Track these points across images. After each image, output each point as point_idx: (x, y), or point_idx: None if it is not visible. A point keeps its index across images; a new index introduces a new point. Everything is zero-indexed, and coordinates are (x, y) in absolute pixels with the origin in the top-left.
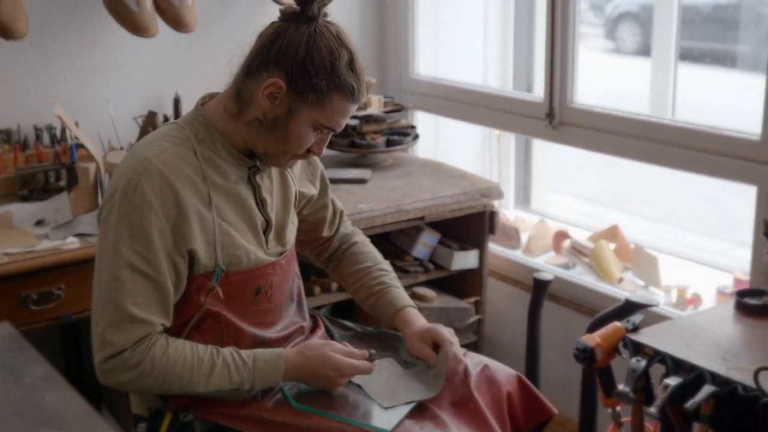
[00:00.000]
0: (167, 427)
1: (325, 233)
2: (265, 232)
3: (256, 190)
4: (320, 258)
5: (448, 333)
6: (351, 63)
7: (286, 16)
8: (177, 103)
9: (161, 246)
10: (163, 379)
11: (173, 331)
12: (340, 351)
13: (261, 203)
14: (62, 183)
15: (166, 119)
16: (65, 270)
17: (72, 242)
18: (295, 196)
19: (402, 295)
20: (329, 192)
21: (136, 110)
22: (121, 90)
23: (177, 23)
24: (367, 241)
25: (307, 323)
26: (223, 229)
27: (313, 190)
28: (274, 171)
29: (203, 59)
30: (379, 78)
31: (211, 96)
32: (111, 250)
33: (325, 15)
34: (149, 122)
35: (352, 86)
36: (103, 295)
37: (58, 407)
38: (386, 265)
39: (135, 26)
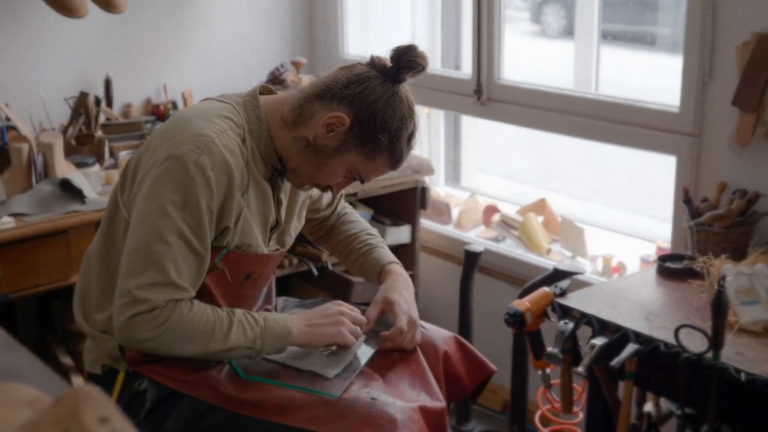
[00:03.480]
0: (120, 388)
1: (323, 213)
2: (273, 230)
3: (274, 190)
4: (316, 234)
5: (400, 310)
6: (411, 136)
7: (376, 66)
8: (108, 84)
9: (208, 222)
10: (186, 335)
11: None
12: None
13: (277, 203)
14: None
15: (97, 100)
16: (1, 249)
17: (7, 222)
18: (306, 199)
19: (386, 254)
20: None
21: (67, 91)
22: (51, 72)
23: (107, 4)
24: (355, 211)
25: (271, 306)
26: (246, 218)
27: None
28: None
29: (133, 40)
30: (308, 57)
31: (267, 89)
32: (161, 212)
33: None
34: (81, 103)
35: (401, 156)
36: (145, 254)
37: (13, 367)
38: (373, 230)
39: (65, 7)
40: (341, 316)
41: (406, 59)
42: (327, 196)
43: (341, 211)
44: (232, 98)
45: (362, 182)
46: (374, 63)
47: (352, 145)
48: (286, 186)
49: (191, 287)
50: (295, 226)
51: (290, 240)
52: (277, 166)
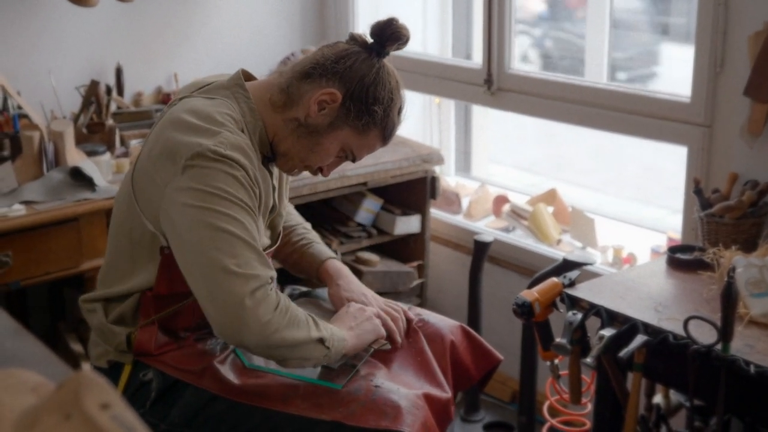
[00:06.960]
0: (126, 381)
1: None
2: (270, 214)
3: (270, 176)
4: None
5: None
6: (400, 110)
7: (358, 42)
8: (119, 72)
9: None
10: (291, 320)
11: (171, 298)
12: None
13: (272, 189)
14: (5, 153)
15: (108, 89)
16: (12, 237)
17: (18, 209)
18: (288, 179)
19: (324, 249)
20: None
21: (78, 80)
22: (63, 60)
23: None
24: (290, 204)
25: None
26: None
27: None
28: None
29: (144, 29)
30: (318, 45)
31: (247, 75)
32: (224, 199)
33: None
34: (92, 92)
35: (393, 129)
36: (226, 238)
37: (20, 353)
38: (307, 224)
39: None
40: (366, 312)
41: (390, 32)
42: None
43: None
44: (218, 92)
45: (353, 160)
46: (355, 39)
47: (346, 120)
48: (276, 171)
49: None
50: (285, 206)
51: (282, 222)
52: (267, 153)
